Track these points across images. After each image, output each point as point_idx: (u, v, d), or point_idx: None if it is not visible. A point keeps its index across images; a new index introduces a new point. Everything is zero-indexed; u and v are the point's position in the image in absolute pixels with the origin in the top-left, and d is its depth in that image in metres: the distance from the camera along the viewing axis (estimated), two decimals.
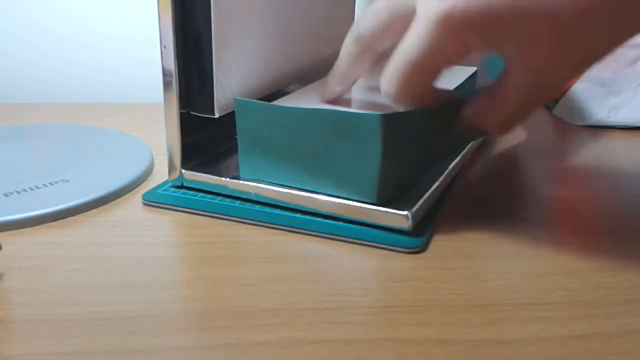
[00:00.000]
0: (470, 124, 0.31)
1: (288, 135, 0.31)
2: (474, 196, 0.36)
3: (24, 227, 0.31)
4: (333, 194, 0.31)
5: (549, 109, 0.56)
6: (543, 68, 0.27)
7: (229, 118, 0.33)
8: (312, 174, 0.31)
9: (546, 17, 0.26)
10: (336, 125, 0.30)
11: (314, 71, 0.44)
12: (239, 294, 0.25)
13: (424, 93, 0.30)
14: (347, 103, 0.36)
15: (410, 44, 0.28)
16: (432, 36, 0.27)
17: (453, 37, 0.26)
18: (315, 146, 0.31)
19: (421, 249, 0.29)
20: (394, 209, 0.30)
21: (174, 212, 0.33)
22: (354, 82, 0.36)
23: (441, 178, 0.33)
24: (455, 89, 0.33)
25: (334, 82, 0.35)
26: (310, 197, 0.32)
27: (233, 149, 0.35)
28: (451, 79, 0.40)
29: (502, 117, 0.30)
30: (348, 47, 0.33)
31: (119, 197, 0.35)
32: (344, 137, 0.30)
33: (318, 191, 0.32)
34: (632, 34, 0.27)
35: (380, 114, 0.28)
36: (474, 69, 0.45)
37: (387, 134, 0.29)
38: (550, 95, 0.30)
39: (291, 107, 0.31)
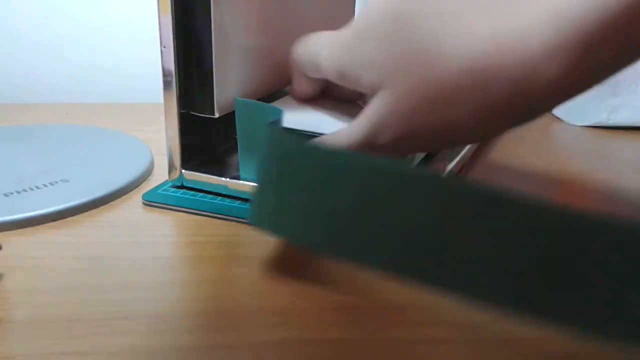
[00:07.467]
0: None
1: None
2: None
3: (24, 227, 0.31)
4: None
5: None
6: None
7: (229, 118, 0.33)
8: None
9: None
10: None
11: None
12: (239, 294, 0.25)
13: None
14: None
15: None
16: None
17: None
18: None
19: None
20: None
21: (174, 212, 0.33)
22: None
23: None
24: None
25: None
26: None
27: (233, 149, 0.35)
28: None
29: None
30: None
31: (119, 197, 0.35)
32: None
33: None
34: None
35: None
36: None
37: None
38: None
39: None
